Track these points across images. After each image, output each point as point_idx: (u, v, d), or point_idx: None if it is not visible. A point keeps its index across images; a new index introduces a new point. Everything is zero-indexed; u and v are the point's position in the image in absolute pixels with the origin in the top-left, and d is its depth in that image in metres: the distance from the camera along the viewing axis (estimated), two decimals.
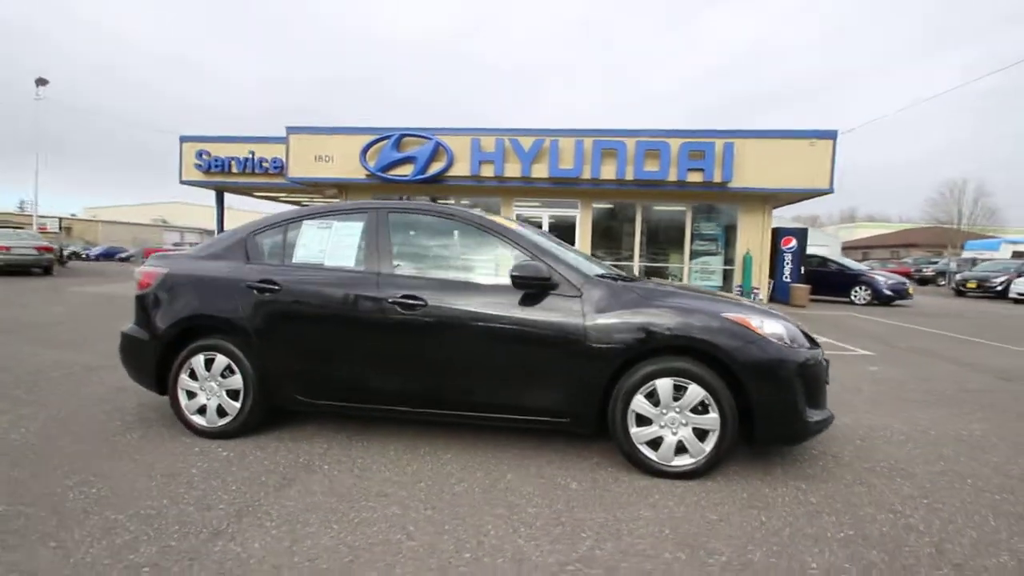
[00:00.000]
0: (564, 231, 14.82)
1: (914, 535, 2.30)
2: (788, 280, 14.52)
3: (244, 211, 25.10)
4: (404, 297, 3.01)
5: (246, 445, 3.13)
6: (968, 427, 3.88)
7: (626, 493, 2.63)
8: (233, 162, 17.08)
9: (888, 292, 15.13)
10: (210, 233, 37.16)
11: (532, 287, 2.91)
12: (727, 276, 14.69)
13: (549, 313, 2.90)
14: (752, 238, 14.32)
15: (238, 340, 3.20)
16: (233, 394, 3.21)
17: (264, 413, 3.25)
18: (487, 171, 13.84)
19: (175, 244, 39.22)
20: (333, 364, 3.14)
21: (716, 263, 14.81)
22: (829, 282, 15.85)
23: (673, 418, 2.79)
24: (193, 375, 3.25)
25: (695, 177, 13.09)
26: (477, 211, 3.49)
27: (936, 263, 29.25)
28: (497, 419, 3.02)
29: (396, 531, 2.22)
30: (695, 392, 2.75)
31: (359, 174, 14.53)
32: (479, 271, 3.20)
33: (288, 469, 2.81)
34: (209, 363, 3.23)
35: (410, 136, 14.22)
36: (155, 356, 3.29)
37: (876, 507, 2.55)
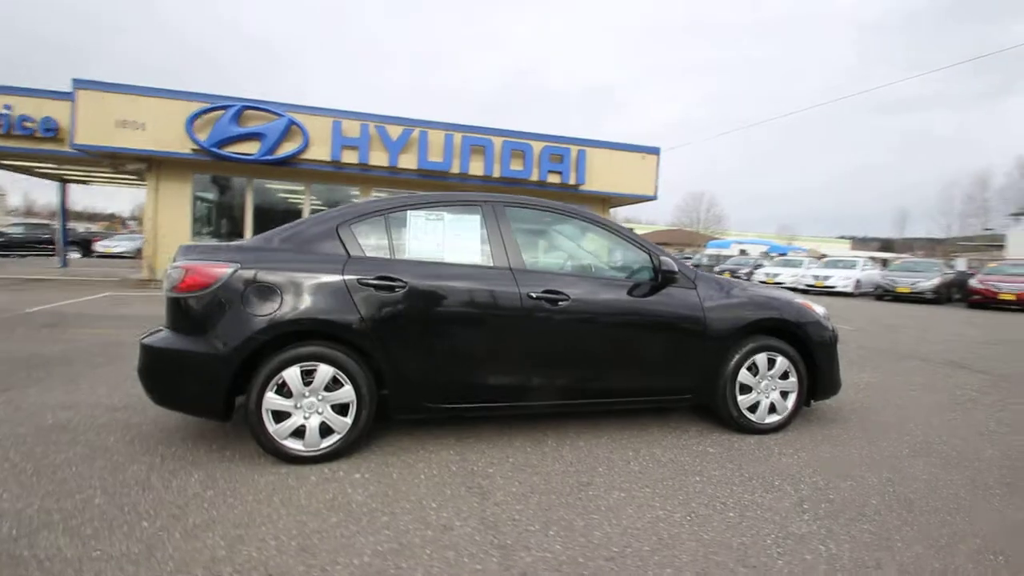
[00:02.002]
0: None
1: None
2: None
3: None
4: (546, 292, 2.98)
5: (370, 463, 2.73)
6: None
7: (750, 450, 3.11)
8: None
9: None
10: None
11: (672, 281, 3.17)
12: None
13: (675, 303, 3.20)
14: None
15: (350, 345, 2.74)
16: (340, 409, 2.74)
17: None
18: (350, 157, 12.91)
19: None
20: (473, 365, 2.92)
21: None
22: None
23: (767, 385, 3.37)
24: (283, 391, 2.66)
25: (554, 179, 14.28)
26: (586, 208, 3.52)
27: (690, 258, 36.98)
28: (630, 403, 3.21)
29: (672, 505, 2.31)
30: (783, 363, 3.37)
31: (182, 147, 12.12)
32: (598, 265, 3.31)
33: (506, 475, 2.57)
34: (307, 375, 2.68)
35: (255, 109, 12.41)
36: (228, 374, 2.59)
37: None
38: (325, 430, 2.72)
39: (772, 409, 3.39)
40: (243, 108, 12.33)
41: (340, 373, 2.71)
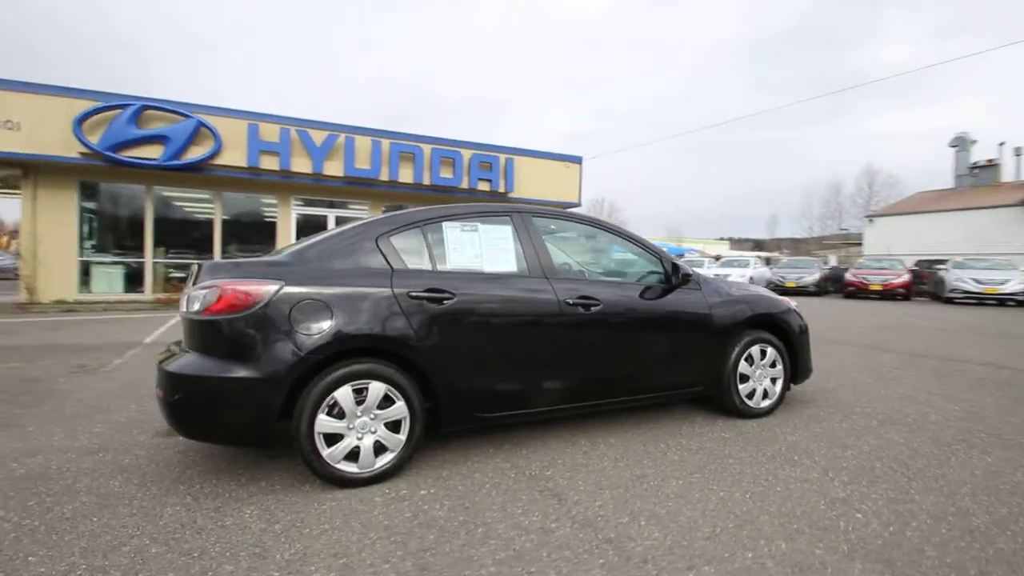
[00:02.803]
0: None
1: None
2: None
3: None
4: (580, 298, 3.10)
5: (425, 478, 2.67)
6: None
7: (756, 432, 3.44)
8: None
9: None
10: None
11: (687, 283, 3.43)
12: None
13: (687, 303, 3.48)
14: None
15: (402, 360, 2.66)
16: (392, 426, 2.65)
17: None
18: (269, 163, 12.15)
19: None
20: (520, 372, 2.96)
21: None
22: None
23: (760, 373, 3.74)
24: (334, 412, 2.53)
25: (484, 186, 14.44)
26: (602, 217, 3.69)
27: None
28: (651, 399, 3.41)
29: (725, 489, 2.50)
30: (772, 353, 3.77)
31: (67, 151, 10.71)
32: (615, 270, 3.48)
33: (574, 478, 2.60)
34: (357, 393, 2.57)
35: (156, 109, 11.28)
36: (279, 398, 2.41)
37: None
38: (378, 449, 2.62)
39: (764, 395, 3.78)
40: (143, 108, 11.16)
41: (392, 389, 2.63)
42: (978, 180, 30.32)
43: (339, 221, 14.05)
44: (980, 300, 14.89)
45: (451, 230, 3.02)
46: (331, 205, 14.04)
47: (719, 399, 3.67)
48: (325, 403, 2.50)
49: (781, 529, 2.19)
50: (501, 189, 14.62)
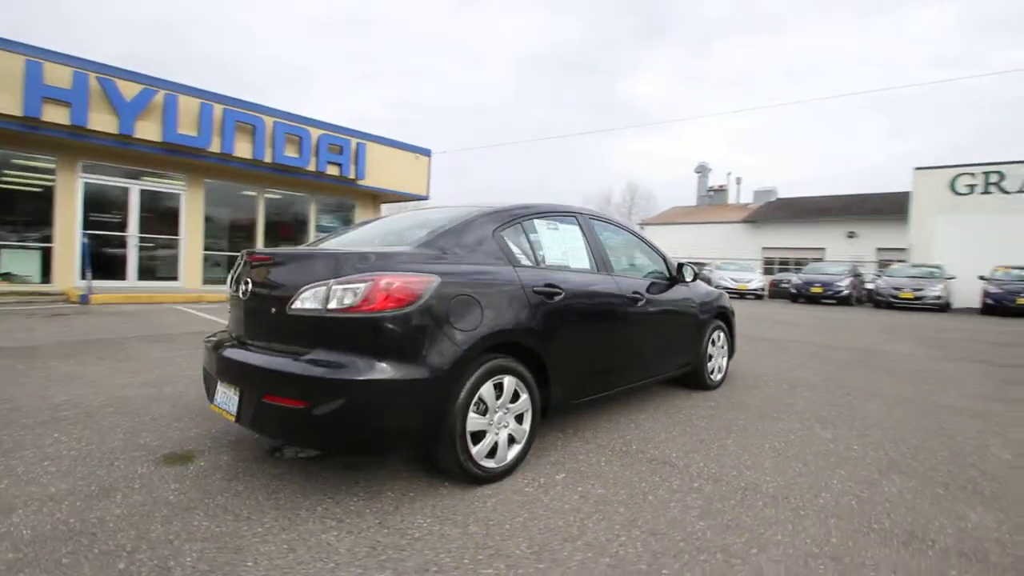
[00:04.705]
0: (162, 211, 11.83)
1: None
2: None
3: None
4: (634, 292, 3.46)
5: (544, 466, 2.72)
6: None
7: (740, 399, 4.25)
8: None
9: None
10: None
11: (690, 280, 4.03)
12: None
13: (687, 296, 4.11)
14: None
15: (526, 354, 2.66)
16: (517, 419, 2.65)
17: None
18: (56, 115, 9.40)
19: None
20: (603, 359, 3.20)
21: None
22: None
23: (717, 352, 4.60)
24: (479, 409, 2.44)
25: (333, 170, 13.42)
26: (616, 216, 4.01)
27: None
28: (666, 377, 3.94)
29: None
30: (722, 336, 4.67)
31: None
32: (635, 268, 3.90)
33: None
34: (497, 389, 2.52)
35: None
36: (444, 399, 2.25)
37: None
38: (510, 442, 2.61)
39: (719, 369, 4.67)
40: None
41: (520, 383, 2.63)
42: (713, 200, 39.19)
43: (145, 195, 11.53)
44: (741, 295, 19.38)
45: (541, 228, 3.09)
46: (135, 176, 11.41)
47: (696, 376, 4.41)
48: (473, 400, 2.40)
49: (818, 459, 2.92)
50: (351, 175, 13.78)
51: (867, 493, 2.53)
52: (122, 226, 11.22)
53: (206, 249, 12.54)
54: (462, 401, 2.33)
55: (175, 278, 12.09)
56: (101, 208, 10.99)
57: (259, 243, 13.37)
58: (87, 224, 10.65)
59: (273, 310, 2.33)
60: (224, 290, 12.23)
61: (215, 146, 11.29)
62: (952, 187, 19.08)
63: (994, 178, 18.30)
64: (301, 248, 2.95)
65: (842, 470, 2.81)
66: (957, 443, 3.32)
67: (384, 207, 16.54)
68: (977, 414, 4.03)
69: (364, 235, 3.21)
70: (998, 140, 68.31)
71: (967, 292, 15.90)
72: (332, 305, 2.16)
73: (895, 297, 15.59)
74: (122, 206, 11.22)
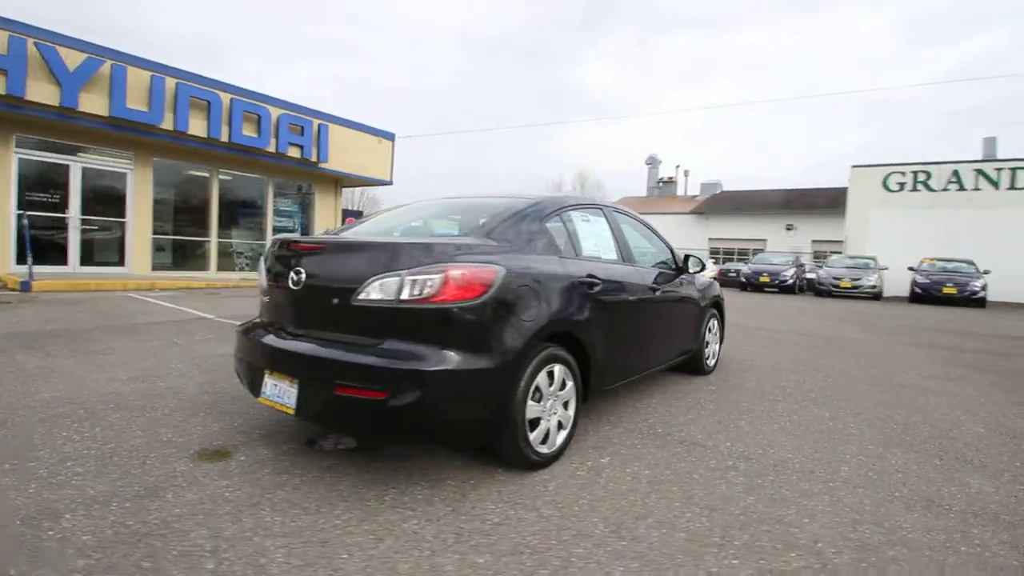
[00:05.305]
0: (107, 192, 11.02)
1: None
2: None
3: None
4: (654, 282, 3.60)
5: (586, 450, 2.81)
6: None
7: (737, 381, 4.51)
8: None
9: None
10: None
11: (694, 271, 4.21)
12: None
13: (693, 285, 4.31)
14: (326, 216, 15.32)
15: (572, 342, 2.73)
16: (564, 405, 2.73)
17: None
18: None
19: None
20: (632, 346, 3.31)
21: None
22: None
23: (712, 338, 4.84)
24: (536, 397, 2.49)
25: (294, 152, 12.88)
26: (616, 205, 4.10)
27: None
28: (668, 366, 4.13)
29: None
30: (715, 322, 4.92)
31: None
32: (648, 258, 4.03)
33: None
34: (550, 377, 2.58)
35: None
36: (512, 388, 2.32)
37: None
38: (559, 428, 2.69)
39: (713, 355, 4.93)
40: None
41: (566, 371, 2.71)
42: (663, 192, 40.42)
43: (89, 174, 10.67)
44: None
45: (578, 220, 3.15)
46: (77, 152, 10.52)
47: (694, 361, 4.64)
48: (532, 388, 2.46)
49: (825, 436, 3.18)
50: (313, 158, 13.26)
51: (879, 465, 2.79)
52: (62, 207, 10.34)
53: (154, 233, 11.77)
54: (523, 389, 2.38)
55: (121, 263, 11.29)
56: (39, 187, 10.07)
57: (213, 227, 12.68)
58: (22, 204, 9.74)
59: (336, 300, 2.28)
60: (180, 276, 11.55)
61: (167, 123, 10.57)
62: (885, 184, 20.62)
63: (922, 177, 19.93)
64: (359, 237, 2.88)
65: (851, 446, 3.07)
66: (935, 419, 3.68)
67: (345, 191, 16.06)
68: (940, 392, 4.47)
69: (403, 222, 3.18)
70: (923, 140, 74.36)
71: (897, 282, 17.28)
72: (404, 296, 2.15)
73: (835, 286, 16.76)
74: (62, 185, 10.32)
